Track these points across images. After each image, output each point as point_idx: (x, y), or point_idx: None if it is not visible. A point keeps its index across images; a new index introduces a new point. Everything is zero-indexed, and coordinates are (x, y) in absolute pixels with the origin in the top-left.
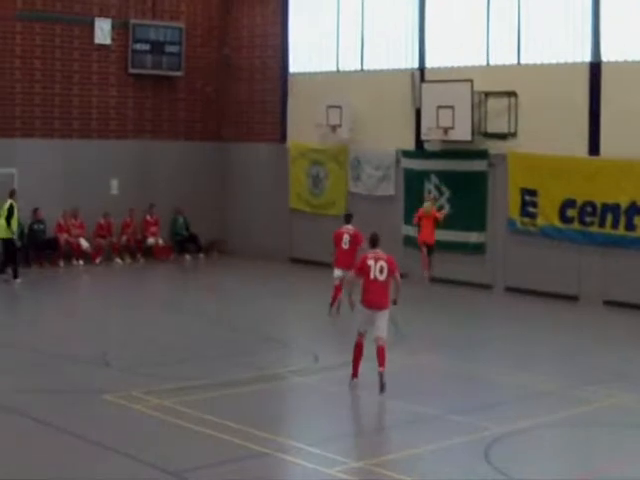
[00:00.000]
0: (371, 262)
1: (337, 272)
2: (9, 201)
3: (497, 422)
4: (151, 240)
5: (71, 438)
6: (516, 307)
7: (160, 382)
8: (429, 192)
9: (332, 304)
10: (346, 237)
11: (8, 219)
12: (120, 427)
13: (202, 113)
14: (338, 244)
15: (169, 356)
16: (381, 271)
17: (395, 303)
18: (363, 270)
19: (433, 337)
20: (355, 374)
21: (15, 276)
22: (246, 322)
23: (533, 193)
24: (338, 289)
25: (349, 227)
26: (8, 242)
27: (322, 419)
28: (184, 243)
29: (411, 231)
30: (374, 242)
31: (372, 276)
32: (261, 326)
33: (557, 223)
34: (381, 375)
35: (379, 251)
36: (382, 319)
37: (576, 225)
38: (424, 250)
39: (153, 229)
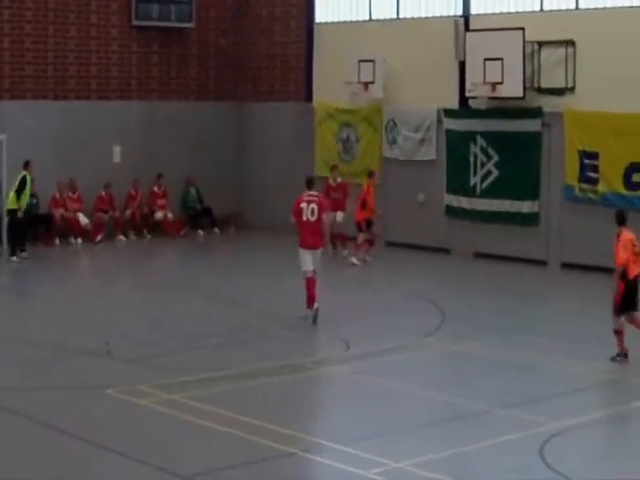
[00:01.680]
0: (304, 205)
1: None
2: (22, 173)
3: (553, 416)
4: (159, 214)
5: (70, 439)
6: (574, 285)
7: (170, 374)
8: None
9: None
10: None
11: (19, 192)
12: (125, 426)
13: (216, 69)
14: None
15: (180, 344)
16: (312, 213)
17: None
18: (297, 212)
19: (480, 320)
20: (310, 305)
21: (12, 253)
22: (268, 305)
23: (593, 156)
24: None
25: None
26: (14, 216)
27: (356, 415)
28: (197, 217)
29: (454, 200)
30: (309, 184)
31: (304, 218)
32: (285, 309)
33: (621, 189)
34: (316, 310)
35: (314, 193)
36: (317, 257)
37: None
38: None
39: (161, 202)
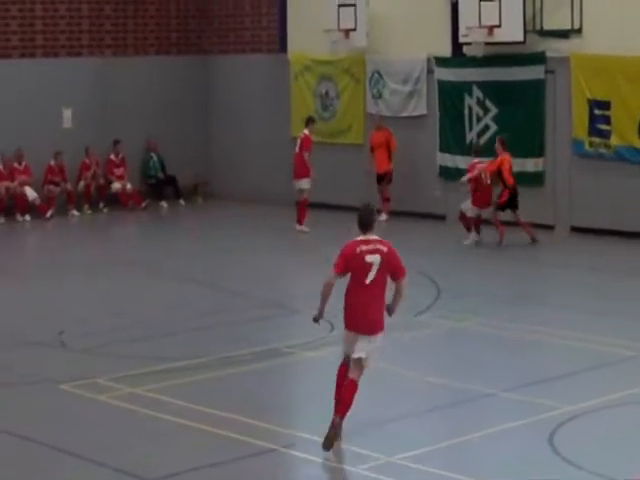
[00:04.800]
0: None
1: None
2: None
3: (564, 399)
4: (117, 185)
5: (19, 441)
6: (585, 252)
7: (132, 365)
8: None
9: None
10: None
11: None
12: (82, 424)
13: (178, 19)
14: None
15: (143, 331)
16: None
17: None
18: None
19: (479, 294)
20: None
21: None
22: (241, 284)
23: (605, 105)
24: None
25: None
26: None
27: None
28: (159, 187)
29: (449, 160)
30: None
31: None
32: (260, 288)
33: (637, 143)
34: None
35: None
36: None
37: None
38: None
39: (119, 171)
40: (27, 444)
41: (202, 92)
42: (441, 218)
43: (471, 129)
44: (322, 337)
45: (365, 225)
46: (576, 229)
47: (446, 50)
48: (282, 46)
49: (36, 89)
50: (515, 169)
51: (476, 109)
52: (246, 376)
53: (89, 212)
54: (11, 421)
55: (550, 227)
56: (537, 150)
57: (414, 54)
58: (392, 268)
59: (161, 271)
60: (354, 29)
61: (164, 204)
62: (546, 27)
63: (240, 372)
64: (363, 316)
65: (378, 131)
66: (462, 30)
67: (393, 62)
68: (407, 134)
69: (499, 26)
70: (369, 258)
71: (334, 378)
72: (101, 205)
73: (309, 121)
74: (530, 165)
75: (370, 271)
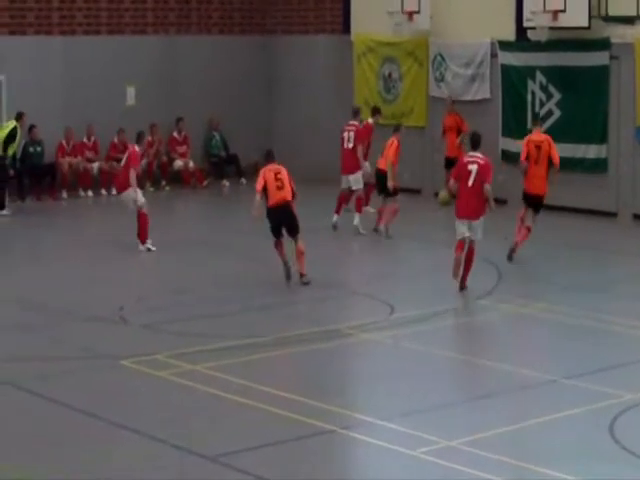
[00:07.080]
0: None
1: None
2: (14, 123)
3: (627, 388)
4: (179, 163)
5: (79, 415)
6: None
7: (193, 342)
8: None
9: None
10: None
11: (7, 143)
12: (141, 400)
13: None
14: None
15: (204, 309)
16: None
17: None
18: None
19: (541, 280)
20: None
21: (2, 206)
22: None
23: None
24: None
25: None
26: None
27: (402, 387)
28: (221, 166)
29: (511, 145)
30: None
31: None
32: (322, 269)
33: None
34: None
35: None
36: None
37: None
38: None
39: (181, 149)
40: (86, 419)
41: (265, 72)
42: (502, 202)
43: (534, 114)
44: (381, 319)
45: (475, 145)
46: (639, 217)
47: (510, 34)
48: (345, 27)
49: (100, 66)
50: (577, 155)
51: (539, 94)
52: (305, 356)
53: (151, 189)
54: (71, 395)
55: (613, 214)
56: (600, 136)
57: (478, 38)
58: (484, 175)
59: (222, 250)
60: (418, 11)
61: (226, 183)
62: (611, 13)
63: (299, 352)
64: (468, 207)
65: (449, 115)
66: (526, 14)
67: (456, 45)
68: (470, 118)
69: (564, 11)
70: (470, 167)
71: (393, 360)
72: (163, 183)
73: (375, 111)
74: (593, 152)
75: (470, 176)
